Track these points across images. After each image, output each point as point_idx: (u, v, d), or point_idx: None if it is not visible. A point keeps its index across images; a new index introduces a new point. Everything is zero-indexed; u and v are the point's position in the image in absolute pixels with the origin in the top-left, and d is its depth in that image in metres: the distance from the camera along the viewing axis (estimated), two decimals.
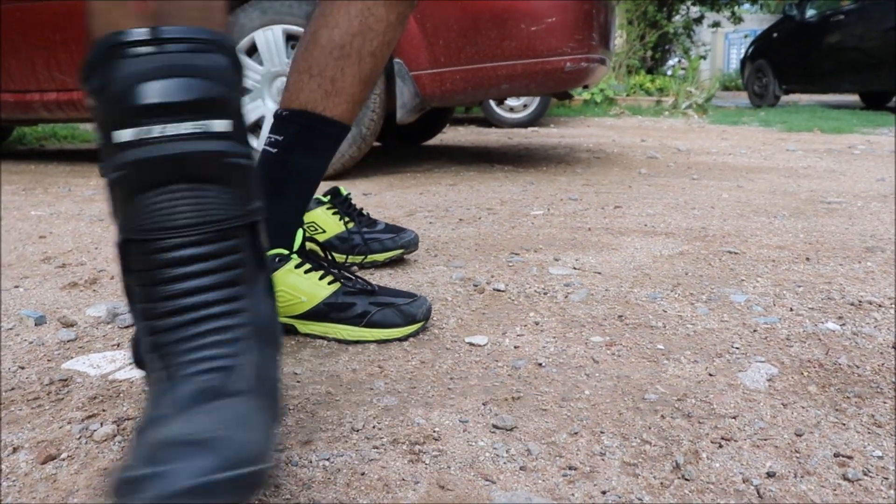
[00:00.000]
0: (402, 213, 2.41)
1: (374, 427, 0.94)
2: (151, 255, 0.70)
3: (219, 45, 0.70)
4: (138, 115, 0.67)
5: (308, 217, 1.70)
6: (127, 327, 1.35)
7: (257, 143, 3.21)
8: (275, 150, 1.21)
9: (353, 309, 1.23)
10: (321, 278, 1.25)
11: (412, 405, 1.00)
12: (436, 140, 5.16)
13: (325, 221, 1.67)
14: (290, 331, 1.27)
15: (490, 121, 6.73)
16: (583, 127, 6.61)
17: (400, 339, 1.23)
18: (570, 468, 0.84)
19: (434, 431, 0.93)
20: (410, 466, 0.85)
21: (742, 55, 10.78)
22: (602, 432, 0.92)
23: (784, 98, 10.12)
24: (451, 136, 5.72)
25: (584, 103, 8.63)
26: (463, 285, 1.55)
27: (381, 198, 2.72)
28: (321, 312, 1.24)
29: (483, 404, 1.00)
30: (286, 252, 1.24)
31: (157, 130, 0.68)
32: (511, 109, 6.65)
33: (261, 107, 3.19)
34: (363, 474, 0.83)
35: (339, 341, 1.24)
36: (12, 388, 1.10)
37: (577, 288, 1.51)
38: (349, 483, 0.81)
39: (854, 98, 10.51)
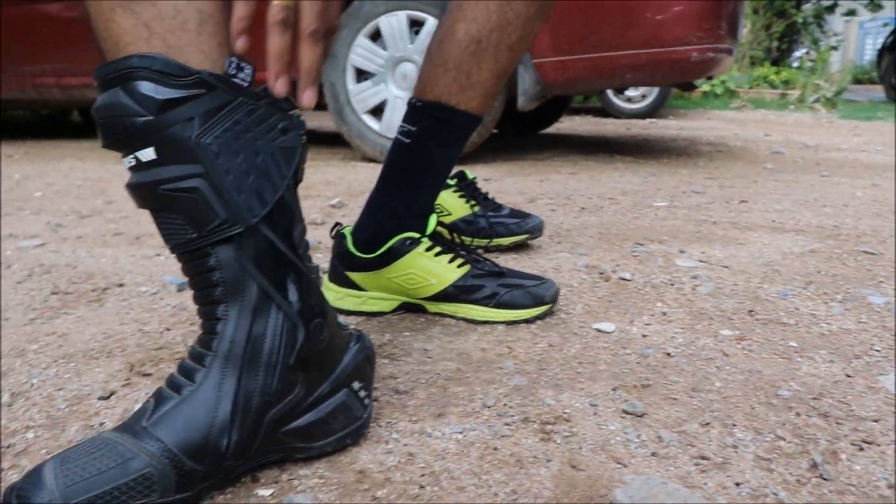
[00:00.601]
0: (523, 199, 2.41)
1: (504, 405, 0.96)
2: None
3: (125, 73, 0.70)
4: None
5: None
6: None
7: (379, 126, 3.28)
8: (408, 141, 1.22)
9: (481, 291, 1.25)
10: (451, 261, 1.27)
11: (542, 386, 1.01)
12: (553, 129, 5.14)
13: (451, 204, 1.69)
14: (420, 309, 1.31)
15: (607, 111, 6.64)
16: (703, 119, 6.45)
17: (527, 321, 1.24)
18: (702, 458, 0.84)
19: (564, 413, 0.94)
20: (542, 445, 0.86)
21: (879, 45, 10.23)
22: (734, 425, 0.91)
23: None
24: (568, 125, 5.68)
25: (704, 95, 8.41)
26: (588, 272, 1.54)
27: (501, 184, 2.74)
28: (451, 295, 1.26)
29: (612, 389, 1.00)
30: (416, 236, 1.25)
31: (125, 163, 0.74)
32: (629, 100, 6.54)
33: (383, 91, 3.25)
34: (496, 449, 0.85)
35: (468, 321, 1.26)
36: (160, 348, 1.17)
37: (704, 281, 1.49)
38: (482, 456, 0.83)
39: None
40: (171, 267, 1.63)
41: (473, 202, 1.71)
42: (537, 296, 1.25)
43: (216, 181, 0.71)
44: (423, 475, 0.80)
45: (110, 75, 0.70)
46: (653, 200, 2.42)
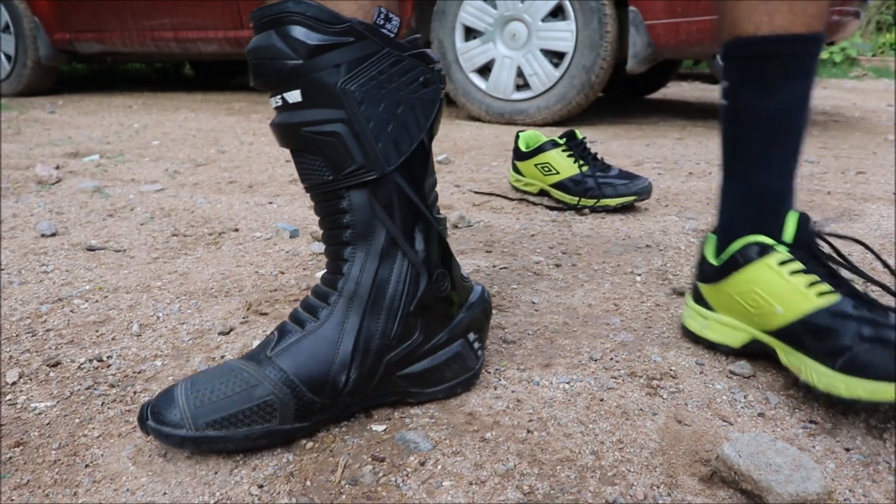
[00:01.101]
0: (630, 162, 2.39)
1: (611, 359, 0.97)
2: None
3: (280, 16, 0.72)
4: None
5: (542, 158, 1.73)
6: None
7: (485, 85, 3.28)
8: (725, 101, 0.94)
9: (833, 338, 0.83)
10: (810, 285, 0.88)
11: (648, 343, 1.02)
12: (659, 94, 5.03)
13: (559, 163, 1.70)
14: (771, 356, 0.94)
15: (716, 77, 6.44)
16: (818, 88, 6.19)
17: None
18: (811, 422, 0.83)
19: (671, 370, 0.94)
20: (648, 399, 0.87)
21: None
22: None
23: None
24: (675, 90, 5.55)
25: (821, 63, 8.05)
26: (696, 236, 1.53)
27: (606, 146, 2.71)
28: (795, 334, 0.88)
29: (719, 351, 1.00)
30: (769, 241, 0.91)
31: (272, 102, 0.77)
32: None
33: (491, 50, 3.24)
34: (602, 400, 0.86)
35: (807, 387, 0.86)
36: (275, 290, 1.22)
37: None
38: (588, 406, 0.85)
39: None
40: (283, 214, 1.69)
41: (581, 162, 1.70)
42: None
43: (357, 128, 0.74)
44: (530, 420, 0.82)
45: (266, 18, 0.73)
46: None
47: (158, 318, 1.11)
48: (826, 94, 5.60)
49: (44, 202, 1.80)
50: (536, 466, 0.74)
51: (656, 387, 0.90)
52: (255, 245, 1.47)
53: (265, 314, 1.12)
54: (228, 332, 1.06)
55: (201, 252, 1.43)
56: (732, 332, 0.97)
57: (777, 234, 0.91)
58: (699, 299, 1.02)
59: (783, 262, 0.90)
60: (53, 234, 1.53)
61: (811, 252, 0.91)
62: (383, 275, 0.78)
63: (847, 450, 0.78)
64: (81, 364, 0.96)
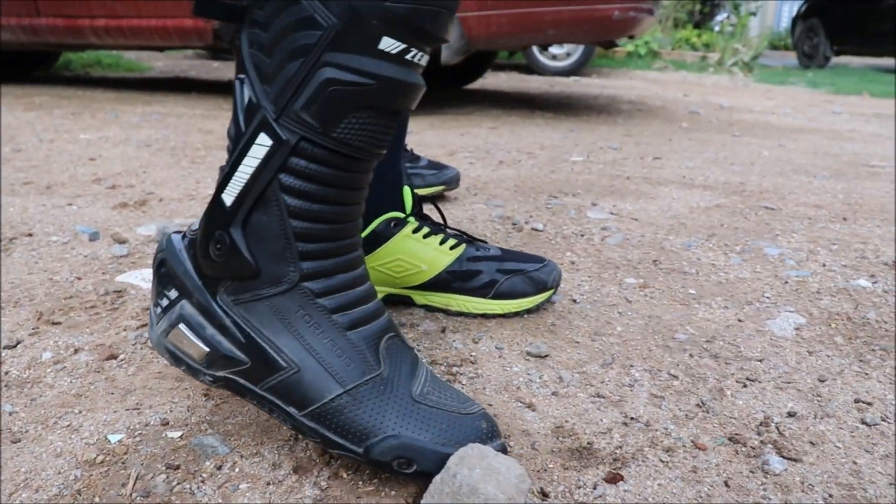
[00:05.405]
0: (443, 152, 2.43)
1: (415, 349, 0.98)
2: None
3: None
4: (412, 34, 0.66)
5: None
6: None
7: None
8: None
9: (478, 278, 1.09)
10: (442, 243, 1.10)
11: (449, 331, 1.05)
12: (476, 84, 5.15)
13: None
14: (407, 302, 1.14)
15: (532, 68, 6.68)
16: (625, 79, 6.55)
17: (529, 311, 1.14)
18: (599, 396, 0.88)
19: (471, 356, 0.97)
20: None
21: (794, 13, 10.50)
22: (632, 366, 0.96)
23: (834, 60, 9.85)
24: (492, 81, 5.69)
25: (628, 55, 8.50)
26: (502, 223, 1.58)
27: (422, 137, 2.75)
28: (443, 282, 1.10)
29: (518, 333, 1.04)
30: (401, 215, 1.09)
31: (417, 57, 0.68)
32: (554, 57, 6.58)
33: None
34: None
35: (462, 314, 1.11)
36: (70, 297, 1.16)
37: (613, 232, 1.54)
38: None
39: None
40: (83, 216, 1.60)
41: None
42: (539, 281, 1.10)
43: None
44: None
45: None
46: (570, 156, 2.47)
47: None
48: (632, 84, 5.93)
49: None
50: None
51: (456, 373, 0.92)
52: (51, 250, 1.39)
53: (58, 323, 1.06)
54: (15, 346, 0.99)
55: None
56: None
57: (402, 207, 1.10)
58: None
59: (416, 230, 1.09)
60: None
61: (424, 218, 1.12)
62: None
63: (631, 419, 0.84)
64: None
